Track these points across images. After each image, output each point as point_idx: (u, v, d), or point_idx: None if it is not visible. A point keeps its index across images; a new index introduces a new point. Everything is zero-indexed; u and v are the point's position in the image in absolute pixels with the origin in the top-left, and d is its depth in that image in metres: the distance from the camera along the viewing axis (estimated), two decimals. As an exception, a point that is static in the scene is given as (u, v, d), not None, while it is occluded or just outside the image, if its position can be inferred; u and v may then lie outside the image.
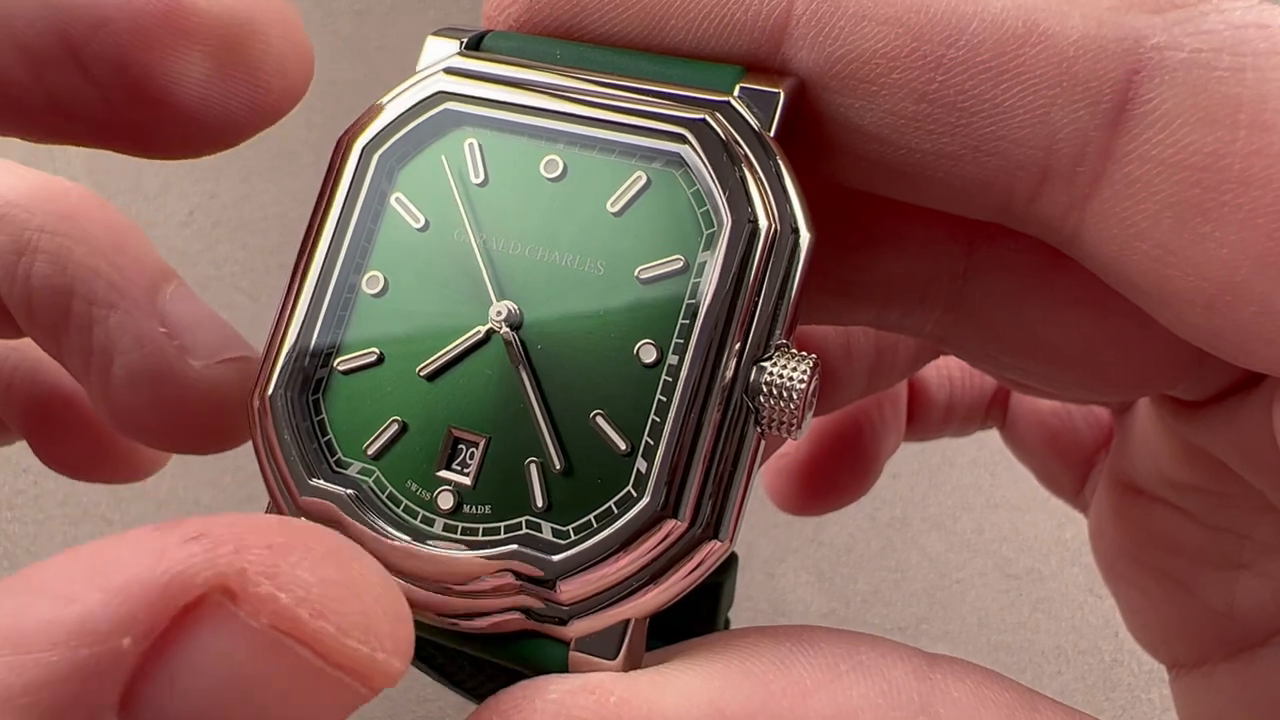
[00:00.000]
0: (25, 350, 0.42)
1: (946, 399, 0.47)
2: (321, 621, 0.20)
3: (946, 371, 0.47)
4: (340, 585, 0.21)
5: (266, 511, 0.28)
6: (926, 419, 0.48)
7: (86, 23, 0.27)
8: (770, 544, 0.90)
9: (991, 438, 0.50)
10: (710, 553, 0.25)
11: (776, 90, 0.27)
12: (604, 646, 0.26)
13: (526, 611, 0.26)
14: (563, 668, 0.26)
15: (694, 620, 0.37)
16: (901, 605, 0.89)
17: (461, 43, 0.30)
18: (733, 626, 0.40)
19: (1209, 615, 0.37)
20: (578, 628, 0.26)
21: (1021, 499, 0.89)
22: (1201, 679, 0.38)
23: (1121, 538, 0.40)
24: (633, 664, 0.26)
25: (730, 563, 0.38)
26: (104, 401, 0.35)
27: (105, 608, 0.19)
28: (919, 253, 0.32)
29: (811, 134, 0.28)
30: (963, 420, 0.48)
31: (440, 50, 0.30)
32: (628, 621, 0.25)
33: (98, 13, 0.28)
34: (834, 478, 0.47)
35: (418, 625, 0.27)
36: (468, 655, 0.28)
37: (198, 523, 0.21)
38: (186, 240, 0.98)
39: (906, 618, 0.89)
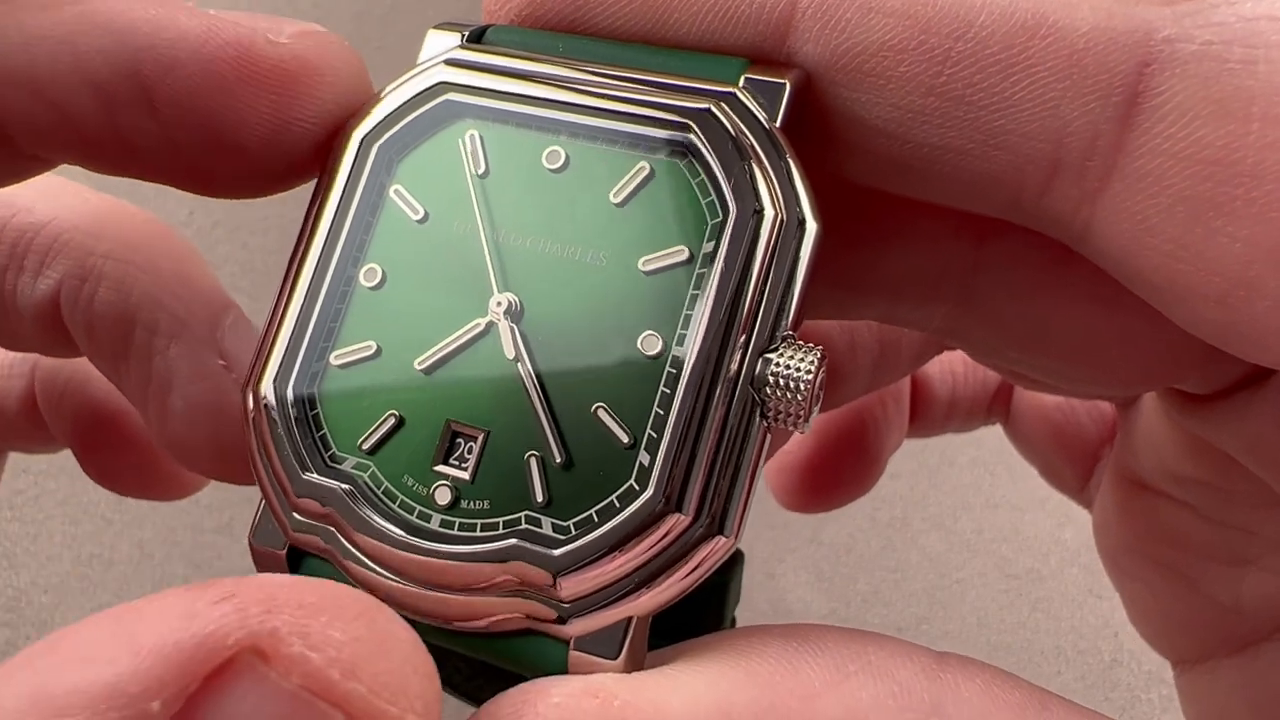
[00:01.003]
0: (79, 364, 0.42)
1: (949, 394, 0.47)
2: (353, 683, 0.20)
3: (949, 367, 0.47)
4: (371, 645, 0.21)
5: (259, 509, 0.28)
6: (930, 415, 0.47)
7: (159, 65, 0.28)
8: (770, 544, 0.90)
9: (991, 437, 0.50)
10: (715, 549, 0.25)
11: (782, 81, 0.27)
12: (605, 646, 0.25)
13: (525, 610, 0.25)
14: (562, 668, 0.25)
15: (700, 619, 0.37)
16: (901, 605, 0.89)
17: (463, 35, 0.29)
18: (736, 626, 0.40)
19: (1214, 610, 0.37)
20: (578, 626, 0.25)
21: (1021, 499, 0.89)
22: (1206, 674, 0.38)
23: (1126, 533, 0.40)
24: (635, 664, 0.25)
25: (736, 560, 0.38)
26: (160, 430, 0.35)
27: (135, 670, 0.19)
28: (928, 247, 0.32)
29: (818, 128, 0.28)
30: (966, 416, 0.48)
31: (441, 43, 0.30)
32: (630, 620, 0.25)
33: (171, 55, 0.28)
34: (837, 474, 0.47)
35: (411, 624, 0.27)
36: (463, 656, 0.27)
37: (228, 584, 0.21)
38: (186, 240, 0.98)
39: (906, 618, 0.89)
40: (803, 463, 0.47)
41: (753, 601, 0.90)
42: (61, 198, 0.36)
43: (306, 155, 0.29)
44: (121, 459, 0.43)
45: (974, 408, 0.47)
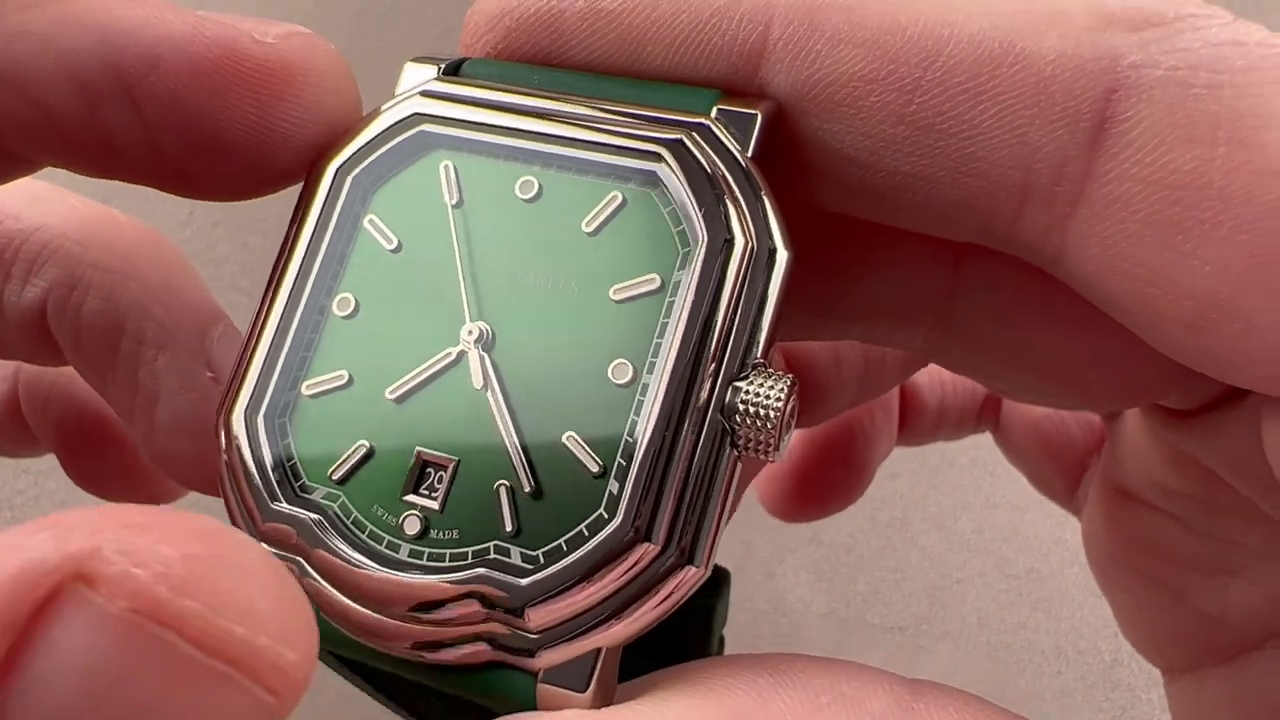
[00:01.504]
0: (63, 369, 0.42)
1: (938, 403, 0.47)
2: (185, 599, 0.18)
3: (938, 375, 0.47)
4: (207, 562, 0.18)
5: None
6: (918, 424, 0.47)
7: (142, 61, 0.28)
8: (770, 544, 0.90)
9: (990, 438, 0.50)
10: (684, 579, 0.25)
11: (754, 112, 0.27)
12: (573, 678, 0.25)
13: (492, 641, 0.25)
14: (530, 702, 0.25)
15: (686, 641, 0.36)
16: (901, 605, 0.89)
17: (439, 68, 0.29)
18: (728, 630, 0.40)
19: (1201, 620, 0.37)
20: (546, 658, 0.25)
21: (1021, 499, 0.89)
22: (1194, 683, 0.38)
23: (1113, 542, 0.40)
24: (604, 696, 0.25)
25: (722, 582, 0.37)
26: (146, 442, 0.35)
27: None
28: (905, 272, 0.32)
29: (790, 157, 0.28)
30: (955, 425, 0.48)
31: (418, 76, 0.30)
32: (599, 652, 0.25)
33: (154, 52, 0.28)
34: (826, 484, 0.47)
35: (381, 658, 0.26)
36: (436, 691, 0.27)
37: (55, 515, 0.19)
38: (186, 240, 0.98)
39: (906, 618, 0.89)
40: (791, 472, 0.47)
41: (753, 601, 0.90)
42: (50, 204, 0.36)
43: (291, 157, 0.29)
44: (105, 464, 0.43)
45: (963, 416, 0.47)
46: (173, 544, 0.18)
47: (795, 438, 0.47)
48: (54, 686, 0.17)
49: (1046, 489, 0.47)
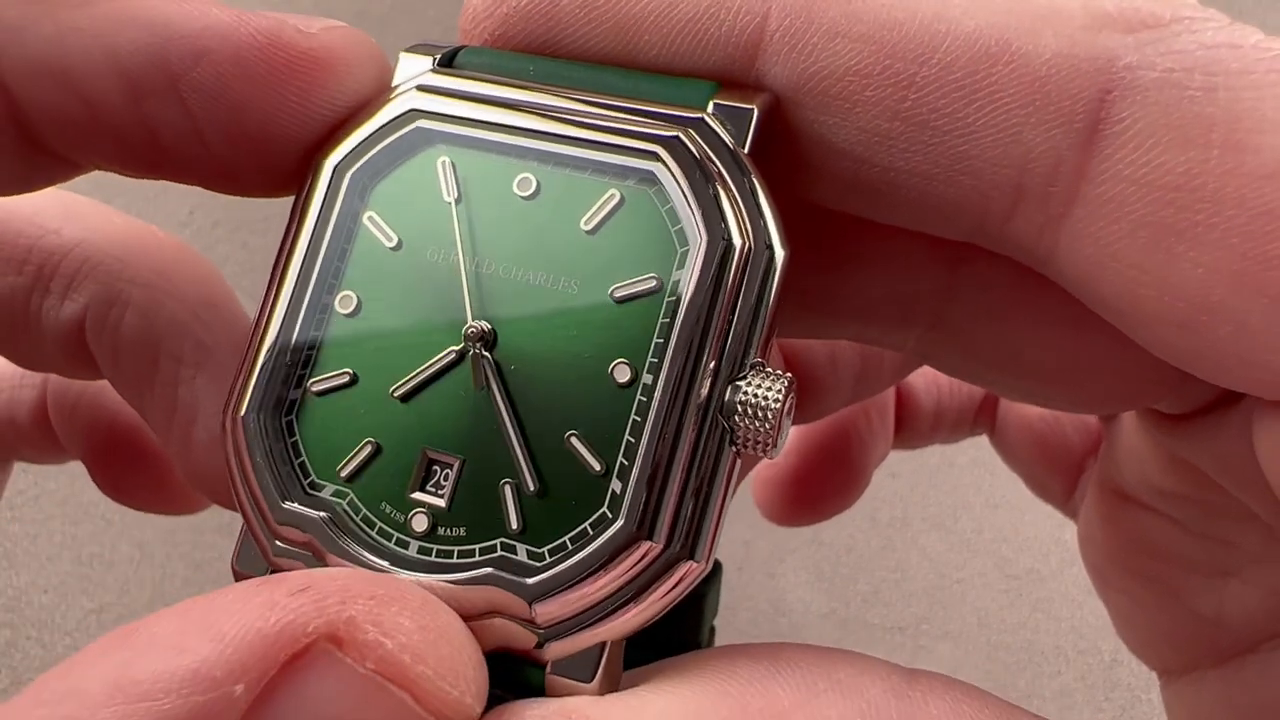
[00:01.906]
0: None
1: (934, 406, 0.47)
2: (422, 667, 0.22)
3: (934, 378, 0.47)
4: (435, 633, 0.23)
5: (241, 534, 0.28)
6: (914, 427, 0.47)
7: (188, 52, 0.28)
8: (770, 544, 0.90)
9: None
10: (687, 574, 0.25)
11: (750, 106, 0.27)
12: (580, 669, 0.25)
13: (502, 634, 0.25)
14: (539, 690, 0.25)
15: (678, 630, 0.37)
16: (901, 605, 0.89)
17: (435, 59, 0.29)
18: (729, 629, 0.40)
19: (1198, 622, 0.37)
20: (554, 650, 0.25)
21: (1021, 499, 0.89)
22: (1191, 685, 0.38)
23: (1110, 544, 0.40)
24: (610, 686, 0.25)
25: (714, 572, 0.38)
26: (183, 460, 0.35)
27: (219, 656, 0.20)
28: (900, 272, 0.32)
29: (786, 152, 0.28)
30: (951, 427, 0.48)
31: (413, 67, 0.30)
32: (604, 644, 0.25)
33: (200, 43, 0.28)
34: (822, 488, 0.47)
35: None
36: None
37: (302, 576, 0.22)
38: (186, 240, 0.98)
39: (906, 618, 0.89)
40: (787, 476, 0.47)
41: (753, 601, 0.90)
42: (90, 220, 0.36)
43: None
44: (134, 474, 0.43)
45: (960, 419, 0.47)
46: (410, 616, 0.22)
47: (791, 442, 0.47)
48: None
49: (1043, 492, 0.47)
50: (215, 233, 0.93)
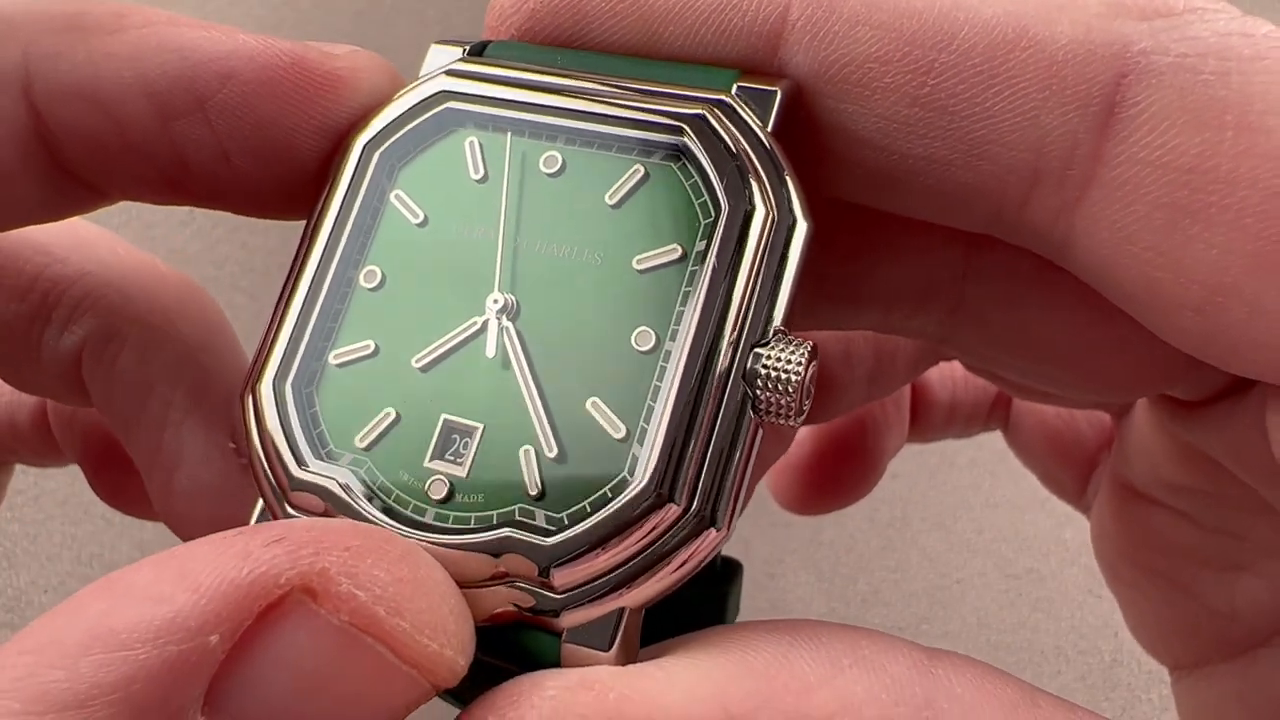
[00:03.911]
0: None
1: (950, 399, 0.47)
2: (398, 619, 0.22)
3: (949, 373, 0.47)
4: (413, 585, 0.22)
5: (256, 508, 0.28)
6: (930, 419, 0.48)
7: (215, 73, 0.29)
8: (770, 544, 0.90)
9: (991, 438, 0.50)
10: (706, 542, 0.25)
11: (774, 88, 0.27)
12: (597, 637, 0.25)
13: (518, 603, 0.25)
14: (554, 661, 0.25)
15: (699, 627, 0.37)
16: (901, 605, 0.89)
17: (465, 50, 0.30)
18: (733, 625, 0.40)
19: (1209, 616, 0.37)
20: (570, 618, 0.25)
21: (1021, 499, 0.89)
22: (1202, 680, 0.38)
23: (1122, 540, 0.40)
24: (628, 656, 0.25)
25: (736, 572, 0.38)
26: (161, 502, 0.35)
27: (194, 606, 0.20)
28: (920, 257, 0.32)
29: (807, 143, 0.28)
30: (965, 421, 0.48)
31: (443, 58, 0.30)
32: (622, 611, 0.25)
33: (227, 64, 0.29)
34: (837, 476, 0.47)
35: None
36: None
37: (278, 527, 0.22)
38: (186, 240, 0.98)
39: (906, 618, 0.89)
40: (802, 464, 0.47)
41: (753, 601, 0.90)
42: (96, 250, 0.36)
43: None
44: (132, 481, 0.43)
45: (974, 413, 0.47)
46: (386, 568, 0.22)
47: (806, 430, 0.47)
48: (274, 676, 0.21)
49: (1056, 488, 0.47)
50: (215, 233, 0.93)
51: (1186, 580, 0.37)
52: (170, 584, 0.21)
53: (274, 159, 0.29)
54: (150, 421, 0.35)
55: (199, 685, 0.21)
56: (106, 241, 0.37)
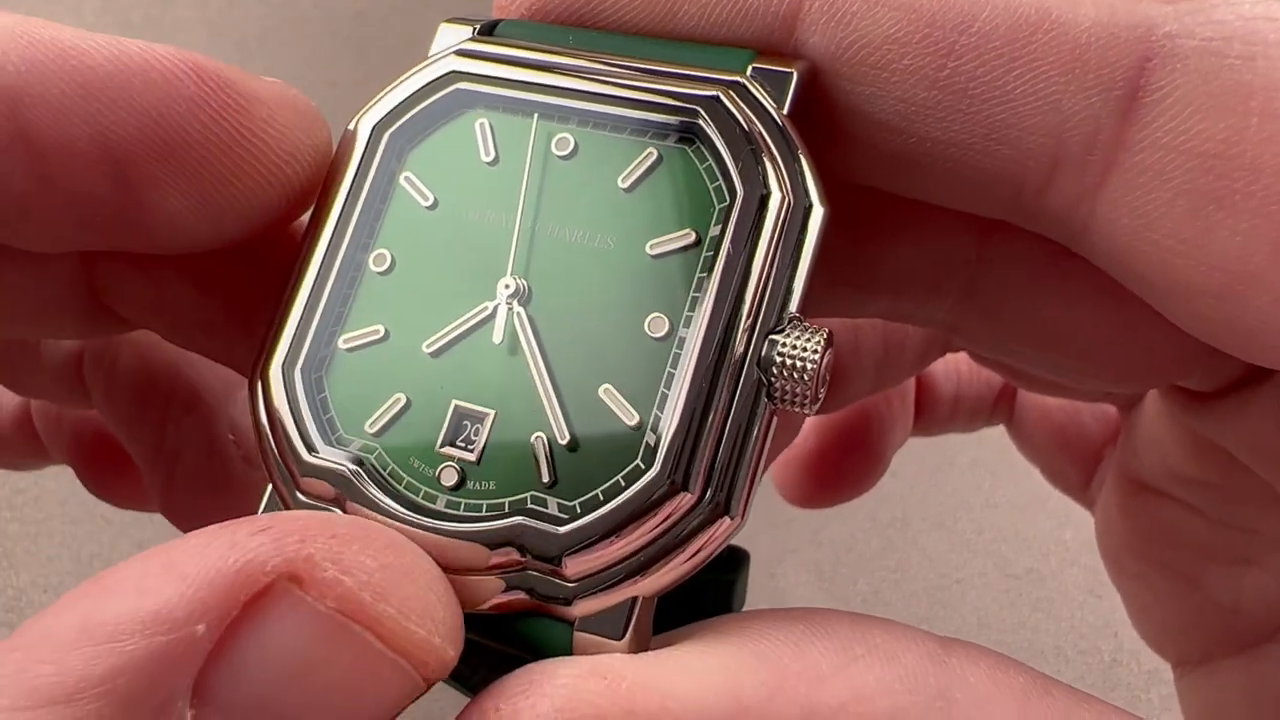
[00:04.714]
0: None
1: (954, 392, 0.47)
2: (384, 605, 0.22)
3: (954, 365, 0.47)
4: (399, 572, 0.22)
5: (265, 493, 0.28)
6: (934, 412, 0.47)
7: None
8: (770, 544, 0.90)
9: (992, 437, 0.50)
10: (720, 530, 0.25)
11: (790, 70, 0.27)
12: (610, 626, 0.25)
13: (530, 590, 0.25)
14: (566, 649, 0.25)
15: (704, 615, 0.37)
16: (901, 605, 0.89)
17: (475, 29, 0.30)
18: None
19: (1215, 611, 0.37)
20: (582, 607, 0.25)
21: (1021, 499, 0.89)
22: (1207, 675, 0.38)
23: (1128, 533, 0.40)
24: (640, 645, 0.25)
25: (743, 561, 0.38)
26: (163, 495, 0.35)
27: (181, 596, 0.21)
28: (933, 243, 0.32)
29: (823, 126, 0.28)
30: (970, 415, 0.48)
31: (453, 37, 0.30)
32: (635, 600, 0.25)
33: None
34: (842, 469, 0.47)
35: None
36: (475, 647, 0.26)
37: (266, 517, 0.22)
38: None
39: (907, 617, 0.89)
40: (807, 457, 0.47)
41: (754, 601, 0.90)
42: None
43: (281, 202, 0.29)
44: (122, 474, 0.43)
45: (978, 407, 0.47)
46: (372, 554, 0.22)
47: (811, 424, 0.47)
48: (261, 665, 0.21)
49: (1060, 482, 0.47)
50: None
51: (1193, 574, 0.37)
52: (157, 576, 0.21)
53: (231, 205, 0.28)
54: (151, 419, 0.35)
55: (187, 675, 0.21)
56: None
